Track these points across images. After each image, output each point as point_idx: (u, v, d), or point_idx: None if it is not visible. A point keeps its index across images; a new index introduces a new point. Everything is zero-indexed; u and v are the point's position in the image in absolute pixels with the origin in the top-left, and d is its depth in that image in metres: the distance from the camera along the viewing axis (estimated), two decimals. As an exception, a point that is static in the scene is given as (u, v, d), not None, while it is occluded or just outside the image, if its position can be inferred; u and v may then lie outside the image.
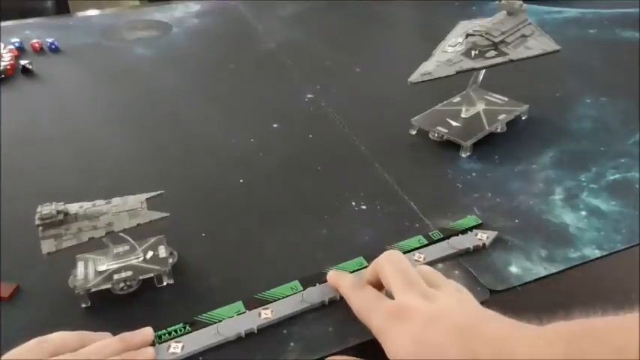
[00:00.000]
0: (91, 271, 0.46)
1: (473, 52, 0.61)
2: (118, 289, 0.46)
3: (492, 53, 0.61)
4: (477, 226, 0.52)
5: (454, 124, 0.65)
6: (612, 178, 0.59)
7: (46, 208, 0.43)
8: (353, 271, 0.47)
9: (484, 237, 0.50)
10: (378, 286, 0.42)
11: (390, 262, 0.41)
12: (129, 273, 0.46)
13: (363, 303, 0.41)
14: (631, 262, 0.49)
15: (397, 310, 0.38)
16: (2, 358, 0.37)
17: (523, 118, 0.69)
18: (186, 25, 1.04)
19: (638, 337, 0.29)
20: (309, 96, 0.77)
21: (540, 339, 0.34)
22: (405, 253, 0.48)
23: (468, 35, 0.62)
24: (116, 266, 0.46)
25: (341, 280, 0.44)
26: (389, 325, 0.38)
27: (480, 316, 0.38)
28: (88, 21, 1.10)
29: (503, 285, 0.46)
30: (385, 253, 0.43)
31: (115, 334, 0.41)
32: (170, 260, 0.48)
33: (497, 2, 0.65)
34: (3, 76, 0.84)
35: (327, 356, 0.41)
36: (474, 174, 0.60)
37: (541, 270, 0.48)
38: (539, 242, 0.51)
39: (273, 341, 0.42)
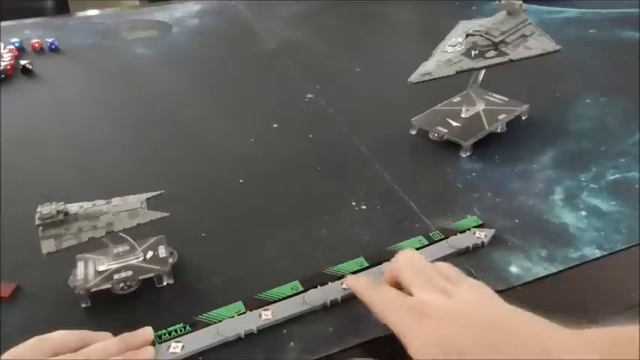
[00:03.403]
0: (91, 271, 0.46)
1: (473, 52, 0.61)
2: (118, 289, 0.46)
3: (492, 53, 0.61)
4: (478, 227, 0.52)
5: (454, 124, 0.65)
6: (612, 178, 0.59)
7: (46, 208, 0.43)
8: (354, 272, 0.47)
9: (482, 235, 0.50)
10: (397, 288, 0.41)
11: (407, 262, 0.42)
12: (129, 273, 0.46)
13: (382, 300, 0.40)
14: (631, 262, 0.49)
15: (417, 306, 0.38)
16: (2, 357, 0.37)
17: (523, 118, 0.69)
18: (186, 25, 1.04)
19: None
20: (309, 96, 0.77)
21: (578, 341, 0.33)
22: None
23: (468, 35, 0.62)
24: (116, 266, 0.46)
25: (358, 281, 0.44)
26: (410, 322, 0.37)
27: (503, 311, 0.37)
28: (88, 21, 1.10)
29: (503, 285, 0.46)
30: (401, 253, 0.43)
31: (115, 334, 0.41)
32: (170, 260, 0.48)
33: (497, 2, 0.65)
34: (3, 76, 0.84)
35: (326, 356, 0.41)
36: (474, 174, 0.60)
37: (541, 270, 0.48)
38: (539, 242, 0.51)
39: (273, 341, 0.42)
